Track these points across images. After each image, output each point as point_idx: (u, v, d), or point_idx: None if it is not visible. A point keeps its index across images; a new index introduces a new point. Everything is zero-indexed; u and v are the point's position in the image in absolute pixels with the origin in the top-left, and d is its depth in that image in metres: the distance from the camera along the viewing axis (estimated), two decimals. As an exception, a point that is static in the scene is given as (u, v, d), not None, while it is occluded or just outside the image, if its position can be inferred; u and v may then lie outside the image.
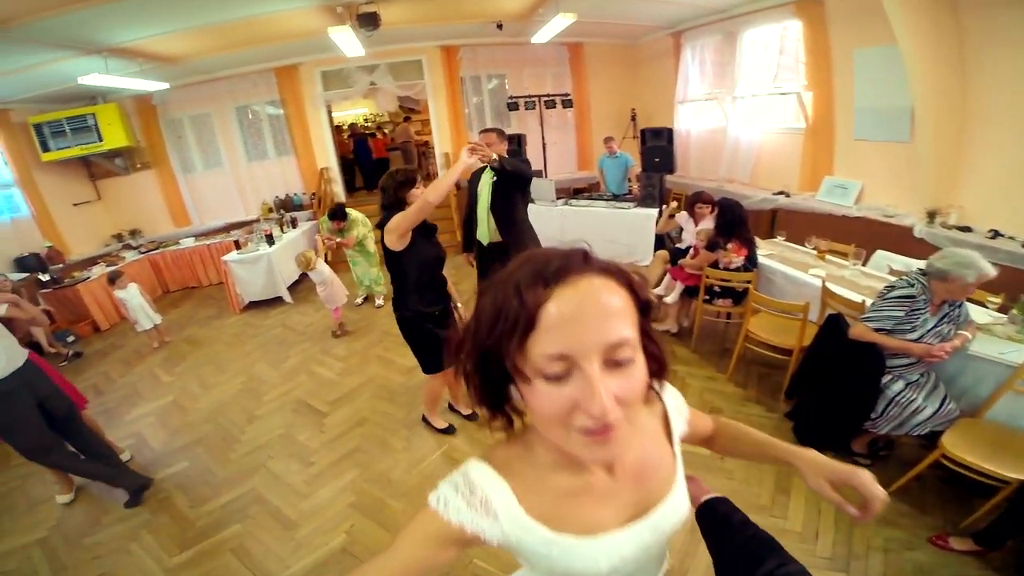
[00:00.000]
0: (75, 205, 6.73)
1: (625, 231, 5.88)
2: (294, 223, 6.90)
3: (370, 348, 4.61)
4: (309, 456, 3.23)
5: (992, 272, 2.10)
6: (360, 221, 5.20)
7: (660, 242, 5.38)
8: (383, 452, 3.18)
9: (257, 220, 7.21)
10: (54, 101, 6.10)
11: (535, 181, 6.35)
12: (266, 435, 3.51)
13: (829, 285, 3.11)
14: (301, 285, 6.31)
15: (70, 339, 5.50)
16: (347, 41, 5.19)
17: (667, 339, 4.17)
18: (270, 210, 7.47)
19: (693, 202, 4.15)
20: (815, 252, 3.88)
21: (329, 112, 7.79)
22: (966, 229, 3.83)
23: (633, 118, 7.71)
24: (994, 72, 3.57)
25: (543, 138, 7.32)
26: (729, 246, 3.56)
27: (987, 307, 2.75)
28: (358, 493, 2.84)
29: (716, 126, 6.45)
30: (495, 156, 2.93)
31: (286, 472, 3.10)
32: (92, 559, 2.59)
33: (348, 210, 5.15)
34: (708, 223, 3.94)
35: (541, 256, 0.56)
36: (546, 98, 7.14)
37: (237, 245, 6.10)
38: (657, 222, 5.38)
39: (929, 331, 2.26)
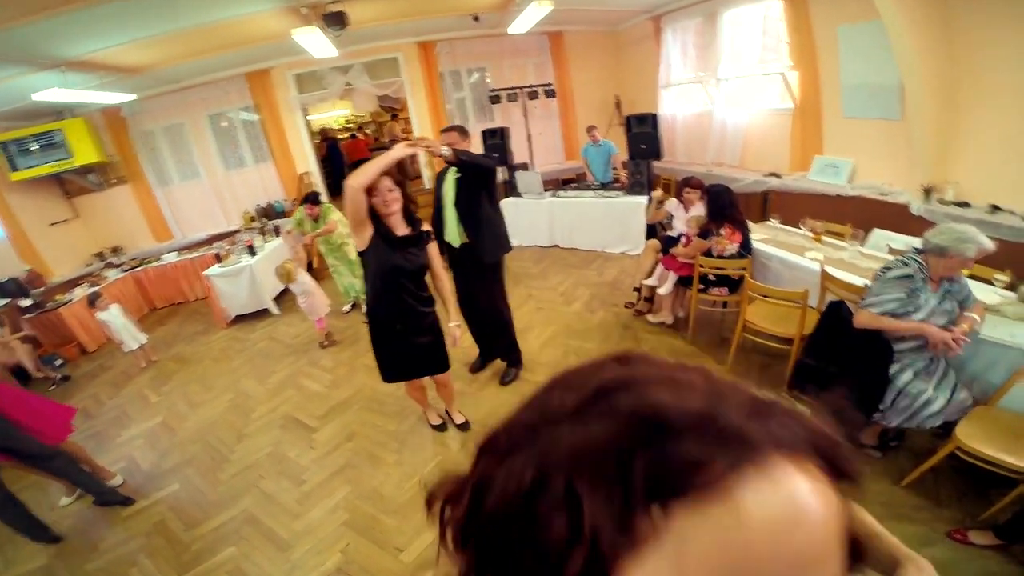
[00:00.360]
0: (52, 225, 6.53)
1: (615, 221, 5.78)
2: (277, 231, 6.70)
3: (357, 358, 4.48)
4: (300, 474, 3.14)
5: (991, 246, 2.03)
6: (339, 220, 5.01)
7: (651, 231, 5.28)
8: (374, 467, 3.08)
9: (239, 230, 7.04)
10: (18, 118, 5.88)
11: (522, 175, 6.28)
12: (256, 453, 3.42)
13: (828, 269, 3.01)
14: (288, 295, 6.08)
15: (58, 363, 5.33)
16: (315, 42, 5.04)
17: (663, 331, 4.07)
18: (252, 219, 7.29)
19: (682, 188, 4.04)
20: (811, 234, 3.78)
21: (306, 115, 7.63)
22: (964, 204, 3.73)
23: (618, 105, 7.59)
24: (982, 42, 3.47)
25: (528, 130, 7.19)
26: (722, 232, 3.45)
27: (994, 285, 2.65)
28: (351, 511, 2.77)
29: (702, 110, 6.35)
30: (445, 148, 2.70)
31: (277, 491, 3.02)
32: None
33: (324, 202, 5.00)
34: (698, 209, 3.84)
35: (635, 405, 0.30)
36: (528, 89, 6.99)
37: (218, 258, 5.93)
38: (647, 210, 5.28)
39: (934, 310, 2.16)
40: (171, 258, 6.89)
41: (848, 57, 4.40)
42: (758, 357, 3.48)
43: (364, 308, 5.20)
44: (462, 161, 2.82)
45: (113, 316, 4.83)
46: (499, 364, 3.79)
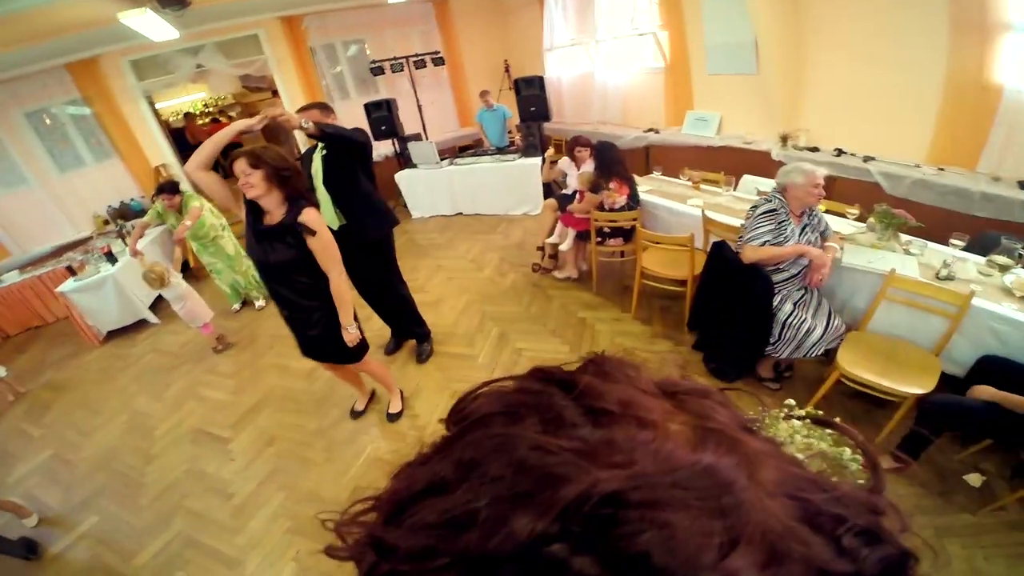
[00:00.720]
0: None
1: (513, 184, 5.86)
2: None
3: (260, 357, 4.17)
4: (226, 487, 2.91)
5: (817, 170, 2.36)
6: (207, 208, 4.50)
7: (548, 190, 5.42)
8: (304, 468, 2.93)
9: (92, 237, 6.19)
10: None
11: (415, 145, 6.16)
12: (171, 473, 3.11)
13: (708, 213, 3.30)
14: (165, 300, 5.47)
15: None
16: (151, 25, 4.44)
17: (569, 285, 4.23)
18: (105, 222, 6.41)
19: (572, 147, 4.18)
20: (690, 184, 4.09)
21: (152, 103, 6.76)
22: (814, 149, 4.25)
23: (507, 70, 7.58)
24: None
25: (418, 100, 6.95)
26: (611, 185, 3.61)
27: (847, 218, 3.08)
28: (292, 517, 2.63)
29: (584, 71, 6.57)
30: (306, 121, 2.43)
31: (207, 509, 2.79)
32: None
33: (185, 191, 4.47)
34: (589, 166, 3.98)
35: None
36: (415, 58, 6.71)
37: (71, 271, 5.11)
38: (541, 170, 5.41)
39: (798, 239, 2.47)
40: (13, 278, 5.80)
41: (710, 17, 4.75)
42: (658, 301, 3.75)
43: (258, 304, 4.93)
44: (327, 135, 2.57)
45: None
46: (413, 342, 3.73)
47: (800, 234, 2.48)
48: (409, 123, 6.75)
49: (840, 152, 4.08)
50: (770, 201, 2.49)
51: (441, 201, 6.37)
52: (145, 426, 3.64)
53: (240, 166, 2.01)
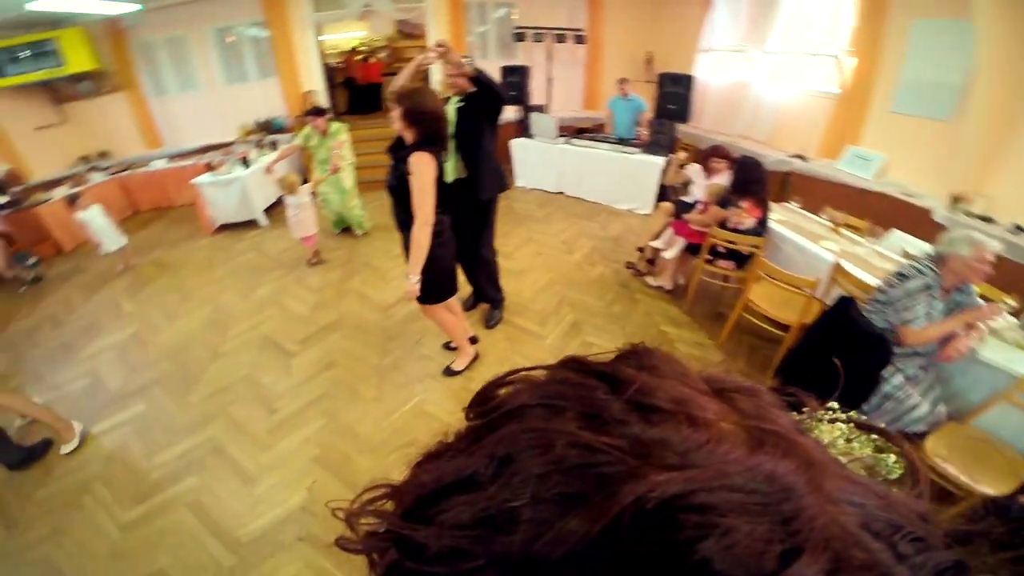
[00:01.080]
0: (38, 129, 6.31)
1: (627, 177, 5.56)
2: (274, 145, 6.54)
3: (346, 280, 4.32)
4: (273, 401, 3.00)
5: (988, 243, 2.01)
6: (347, 143, 4.77)
7: (663, 194, 5.14)
8: (351, 401, 2.95)
9: (234, 142, 6.84)
10: (11, 28, 5.57)
11: (537, 116, 6.11)
12: (229, 376, 3.27)
13: (843, 262, 2.89)
14: (278, 207, 5.92)
15: (31, 262, 5.07)
16: None
17: (659, 295, 3.91)
18: (249, 132, 7.09)
19: (709, 155, 3.87)
20: (830, 224, 3.61)
21: (318, 35, 7.26)
22: (988, 219, 3.57)
23: (649, 62, 7.20)
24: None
25: (549, 73, 6.84)
26: (743, 204, 3.28)
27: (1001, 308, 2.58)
28: (322, 446, 2.65)
29: (739, 80, 6.03)
30: (467, 58, 2.50)
31: (247, 419, 2.89)
32: (44, 514, 2.42)
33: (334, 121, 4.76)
34: (721, 179, 3.68)
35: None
36: (557, 32, 6.59)
37: (210, 167, 5.74)
38: (664, 172, 5.07)
39: (938, 316, 2.18)
40: (160, 165, 6.82)
41: (915, 51, 4.16)
42: (749, 338, 3.37)
43: (358, 231, 5.17)
44: (481, 80, 2.58)
45: (93, 216, 4.65)
46: (486, 306, 3.65)
47: (945, 314, 2.18)
48: (536, 93, 6.70)
49: (1020, 229, 3.40)
50: (923, 274, 2.16)
51: (548, 176, 6.23)
52: (224, 322, 3.87)
53: (390, 100, 2.29)
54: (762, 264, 3.00)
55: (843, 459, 0.26)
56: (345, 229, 5.33)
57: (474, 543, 0.20)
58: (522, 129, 6.40)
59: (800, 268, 3.17)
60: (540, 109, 6.50)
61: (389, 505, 0.27)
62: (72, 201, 4.69)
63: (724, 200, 3.39)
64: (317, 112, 4.59)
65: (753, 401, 0.26)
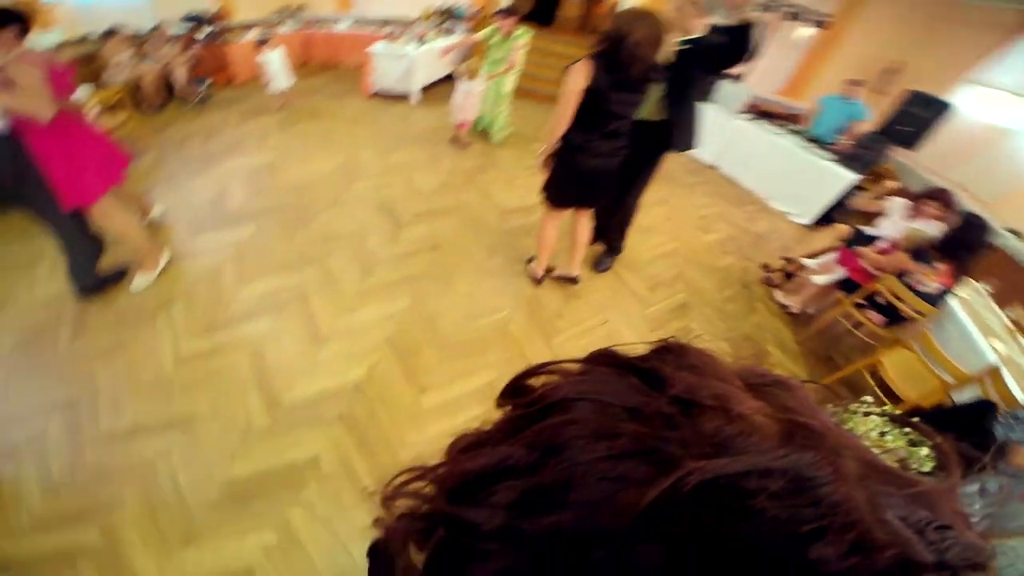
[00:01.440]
0: None
1: (799, 178, 4.90)
2: (450, 32, 6.68)
3: (476, 174, 4.33)
4: (372, 266, 3.03)
5: None
6: (524, 49, 4.61)
7: (829, 214, 4.57)
8: (443, 290, 2.92)
9: (415, 21, 6.95)
10: None
11: (732, 86, 5.54)
12: (340, 226, 3.35)
13: (1001, 367, 2.38)
14: (432, 89, 6.16)
15: (204, 85, 5.51)
16: None
17: (780, 313, 3.45)
18: (431, 15, 7.17)
19: (928, 196, 3.23)
20: (1010, 323, 2.97)
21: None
22: None
23: (892, 72, 6.12)
24: None
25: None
26: (938, 266, 2.76)
27: None
28: (399, 327, 2.61)
29: (995, 125, 4.97)
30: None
31: (342, 275, 2.92)
32: (115, 323, 2.41)
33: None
34: (927, 226, 3.08)
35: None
36: (793, 9, 5.84)
37: (388, 38, 5.99)
38: (851, 190, 4.39)
39: None
40: (343, 27, 7.27)
41: None
42: (850, 395, 2.86)
43: (497, 136, 5.14)
44: (746, 29, 2.24)
45: (274, 58, 5.01)
46: (599, 248, 3.45)
47: None
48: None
49: None
50: None
51: (709, 146, 5.59)
52: (352, 174, 4.01)
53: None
54: (924, 337, 2.53)
55: (875, 451, 0.25)
56: (481, 132, 5.28)
57: (525, 520, 0.22)
58: (704, 92, 5.81)
59: (953, 354, 2.63)
60: (737, 78, 5.83)
61: (427, 488, 0.29)
62: (262, 43, 5.05)
63: (920, 251, 2.85)
64: (509, 12, 4.44)
65: (785, 395, 0.27)
